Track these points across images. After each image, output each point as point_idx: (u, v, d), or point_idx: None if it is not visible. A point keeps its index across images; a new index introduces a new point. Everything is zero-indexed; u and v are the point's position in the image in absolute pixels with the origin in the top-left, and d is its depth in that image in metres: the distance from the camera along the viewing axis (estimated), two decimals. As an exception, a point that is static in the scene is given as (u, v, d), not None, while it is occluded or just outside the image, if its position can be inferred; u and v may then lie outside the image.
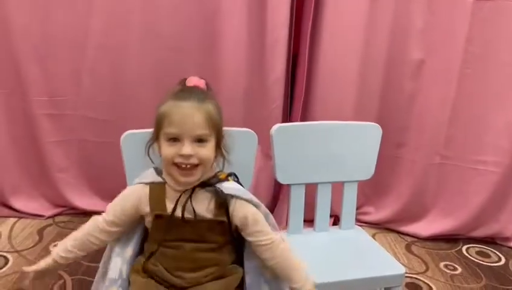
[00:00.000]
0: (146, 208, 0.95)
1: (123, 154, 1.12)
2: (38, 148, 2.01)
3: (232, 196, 0.93)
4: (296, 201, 1.36)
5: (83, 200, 2.08)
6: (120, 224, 0.98)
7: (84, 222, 2.15)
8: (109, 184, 2.01)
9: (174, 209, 0.92)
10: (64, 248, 0.99)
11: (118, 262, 0.99)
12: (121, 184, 1.15)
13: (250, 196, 0.96)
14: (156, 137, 0.92)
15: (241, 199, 0.94)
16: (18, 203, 2.06)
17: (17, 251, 1.78)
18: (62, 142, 2.01)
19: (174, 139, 0.88)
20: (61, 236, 1.90)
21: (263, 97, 1.90)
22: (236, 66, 1.85)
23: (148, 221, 0.96)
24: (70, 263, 1.71)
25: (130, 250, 1.01)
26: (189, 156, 0.87)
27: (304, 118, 1.90)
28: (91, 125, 1.98)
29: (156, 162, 0.98)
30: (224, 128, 0.96)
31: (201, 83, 0.96)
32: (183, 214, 0.91)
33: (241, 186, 0.97)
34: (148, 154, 0.97)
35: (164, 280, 0.96)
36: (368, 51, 1.84)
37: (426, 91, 1.91)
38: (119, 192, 1.02)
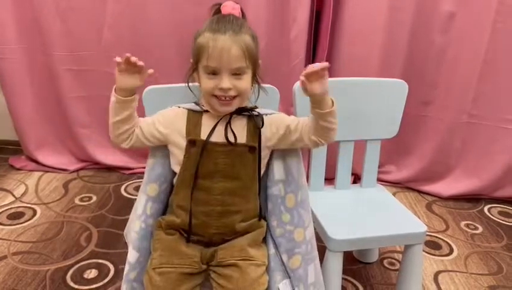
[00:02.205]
0: (181, 129, 0.96)
1: (145, 110, 1.11)
2: (61, 104, 2.03)
3: (266, 115, 0.98)
4: (318, 158, 1.35)
5: (105, 156, 2.12)
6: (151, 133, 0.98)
7: (107, 177, 2.21)
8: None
9: (210, 134, 0.94)
10: None
11: (143, 199, 1.03)
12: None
13: (278, 113, 1.02)
14: (195, 68, 0.95)
15: (274, 114, 1.00)
16: (43, 157, 2.11)
17: (44, 203, 1.84)
18: (84, 98, 2.03)
19: (213, 72, 0.90)
20: (85, 190, 1.95)
21: (285, 52, 1.85)
22: (257, 19, 1.79)
23: (176, 160, 0.97)
24: (96, 215, 1.78)
25: (154, 187, 1.03)
26: (227, 89, 0.90)
27: (326, 74, 1.85)
28: (112, 81, 1.96)
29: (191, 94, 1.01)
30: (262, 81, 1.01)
31: (236, 10, 0.95)
32: (227, 137, 0.94)
33: None
34: (188, 84, 0.99)
35: (187, 233, 0.97)
36: (396, 2, 1.75)
37: (456, 46, 1.82)
38: (140, 148, 1.03)
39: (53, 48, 1.92)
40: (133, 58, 0.88)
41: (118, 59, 0.89)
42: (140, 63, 0.90)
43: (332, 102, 0.92)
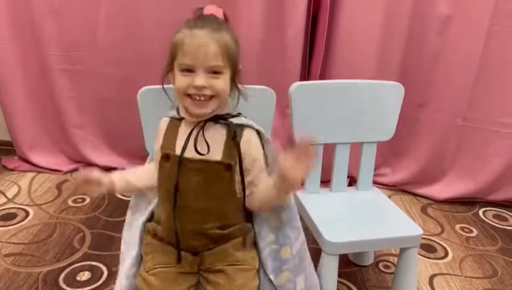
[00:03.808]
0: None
1: (140, 110, 1.10)
2: (55, 104, 2.01)
3: (243, 127, 0.91)
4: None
5: (99, 156, 2.10)
6: None
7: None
8: (125, 141, 2.04)
9: (184, 147, 0.88)
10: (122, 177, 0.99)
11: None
12: (137, 141, 1.15)
13: (260, 128, 0.93)
14: (170, 67, 0.90)
15: (252, 128, 0.92)
16: (36, 158, 2.09)
17: (37, 205, 1.82)
18: (78, 98, 2.01)
19: (188, 70, 0.85)
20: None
21: (281, 55, 1.84)
22: (253, 21, 1.78)
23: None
24: (90, 216, 1.76)
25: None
26: (202, 88, 0.84)
27: (322, 77, 1.85)
28: (107, 81, 1.96)
29: (169, 94, 0.98)
30: (243, 85, 0.94)
31: (219, 13, 0.92)
32: (196, 148, 0.87)
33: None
34: (163, 86, 0.95)
35: (176, 246, 0.94)
36: (392, 5, 1.75)
37: (452, 49, 1.82)
38: (135, 148, 1.02)
39: (47, 47, 1.90)
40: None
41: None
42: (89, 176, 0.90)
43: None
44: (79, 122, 2.05)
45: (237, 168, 0.90)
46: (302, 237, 1.05)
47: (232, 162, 0.89)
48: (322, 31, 1.79)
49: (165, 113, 0.99)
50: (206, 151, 0.87)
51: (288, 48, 1.82)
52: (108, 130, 2.07)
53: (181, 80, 0.86)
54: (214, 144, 0.89)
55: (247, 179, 0.91)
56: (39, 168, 2.08)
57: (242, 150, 0.90)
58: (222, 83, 0.86)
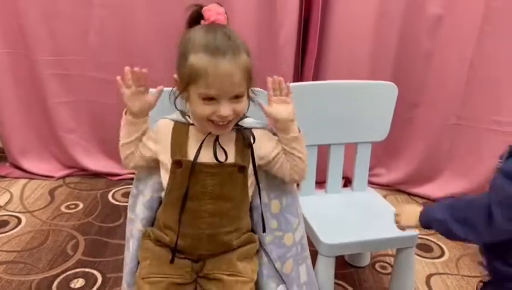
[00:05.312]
0: (167, 147, 0.90)
1: (132, 115, 1.08)
2: (46, 109, 1.99)
3: (252, 129, 0.92)
4: (308, 163, 1.31)
5: (92, 161, 2.08)
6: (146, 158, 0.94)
7: (94, 183, 2.19)
8: (117, 145, 2.01)
9: (198, 154, 0.87)
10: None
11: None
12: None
13: (264, 125, 0.96)
14: (184, 88, 0.85)
15: (263, 128, 0.95)
16: (28, 164, 2.07)
17: (29, 212, 1.79)
18: (70, 103, 1.99)
19: (211, 99, 0.82)
20: (72, 197, 1.91)
21: (274, 56, 1.83)
22: (246, 24, 1.77)
23: (165, 177, 0.92)
24: (83, 222, 1.74)
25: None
26: (227, 116, 0.83)
27: (315, 78, 1.85)
28: (98, 86, 1.94)
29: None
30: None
31: (221, 16, 0.86)
32: (216, 156, 0.87)
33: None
34: (175, 105, 0.91)
35: (173, 252, 0.93)
36: (384, 6, 1.76)
37: (444, 49, 1.83)
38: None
39: (38, 52, 1.88)
40: (135, 69, 0.84)
41: (119, 78, 0.85)
42: (142, 70, 0.85)
43: (299, 130, 0.92)
44: (71, 127, 2.03)
45: (250, 171, 0.91)
46: (303, 226, 1.05)
47: (245, 164, 0.90)
48: (314, 31, 1.78)
49: (158, 117, 0.96)
50: (224, 159, 0.88)
51: (281, 49, 1.82)
52: (100, 134, 2.05)
53: (203, 108, 0.83)
54: (226, 149, 0.89)
55: (270, 166, 0.94)
56: (31, 175, 2.06)
57: (259, 154, 0.92)
58: (243, 105, 0.86)
